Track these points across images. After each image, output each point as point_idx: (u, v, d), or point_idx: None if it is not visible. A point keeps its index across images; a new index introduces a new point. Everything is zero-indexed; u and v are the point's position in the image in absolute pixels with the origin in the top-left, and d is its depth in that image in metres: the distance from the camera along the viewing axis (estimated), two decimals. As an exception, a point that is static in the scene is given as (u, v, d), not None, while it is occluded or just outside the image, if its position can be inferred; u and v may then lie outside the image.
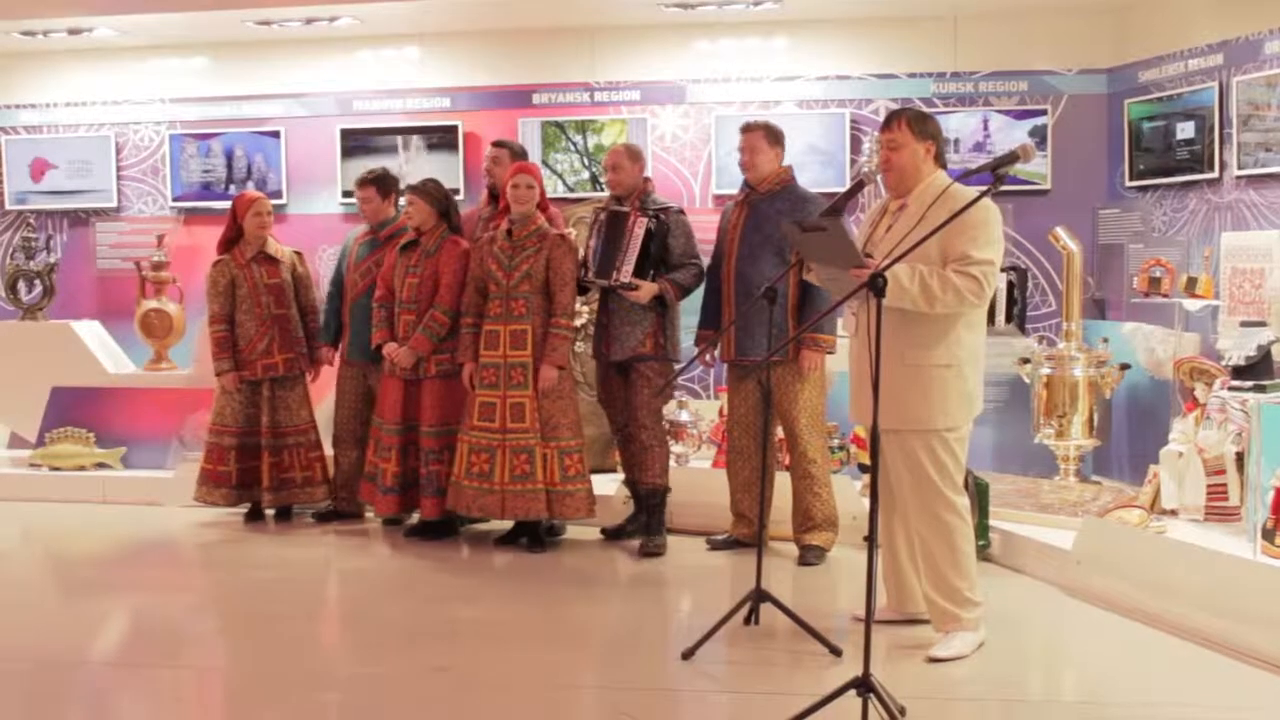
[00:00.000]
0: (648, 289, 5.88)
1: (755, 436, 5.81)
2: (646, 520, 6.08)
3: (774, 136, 5.84)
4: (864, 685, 3.55)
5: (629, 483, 6.27)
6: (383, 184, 6.71)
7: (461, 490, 5.99)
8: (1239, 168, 6.52)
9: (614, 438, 6.42)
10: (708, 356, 6.07)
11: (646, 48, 8.09)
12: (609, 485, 6.59)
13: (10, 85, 8.77)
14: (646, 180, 6.18)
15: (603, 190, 7.25)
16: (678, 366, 5.88)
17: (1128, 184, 7.38)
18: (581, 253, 6.14)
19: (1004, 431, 6.87)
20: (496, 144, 6.76)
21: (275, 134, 8.41)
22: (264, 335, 6.67)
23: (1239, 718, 3.92)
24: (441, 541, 6.28)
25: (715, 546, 6.04)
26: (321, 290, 7.17)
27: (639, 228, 5.87)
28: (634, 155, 6.16)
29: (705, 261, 6.04)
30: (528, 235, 5.99)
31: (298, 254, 6.93)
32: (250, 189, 7.84)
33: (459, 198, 7.46)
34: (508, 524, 6.21)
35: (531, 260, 5.95)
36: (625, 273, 5.87)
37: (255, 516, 6.79)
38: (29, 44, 8.41)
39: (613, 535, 6.30)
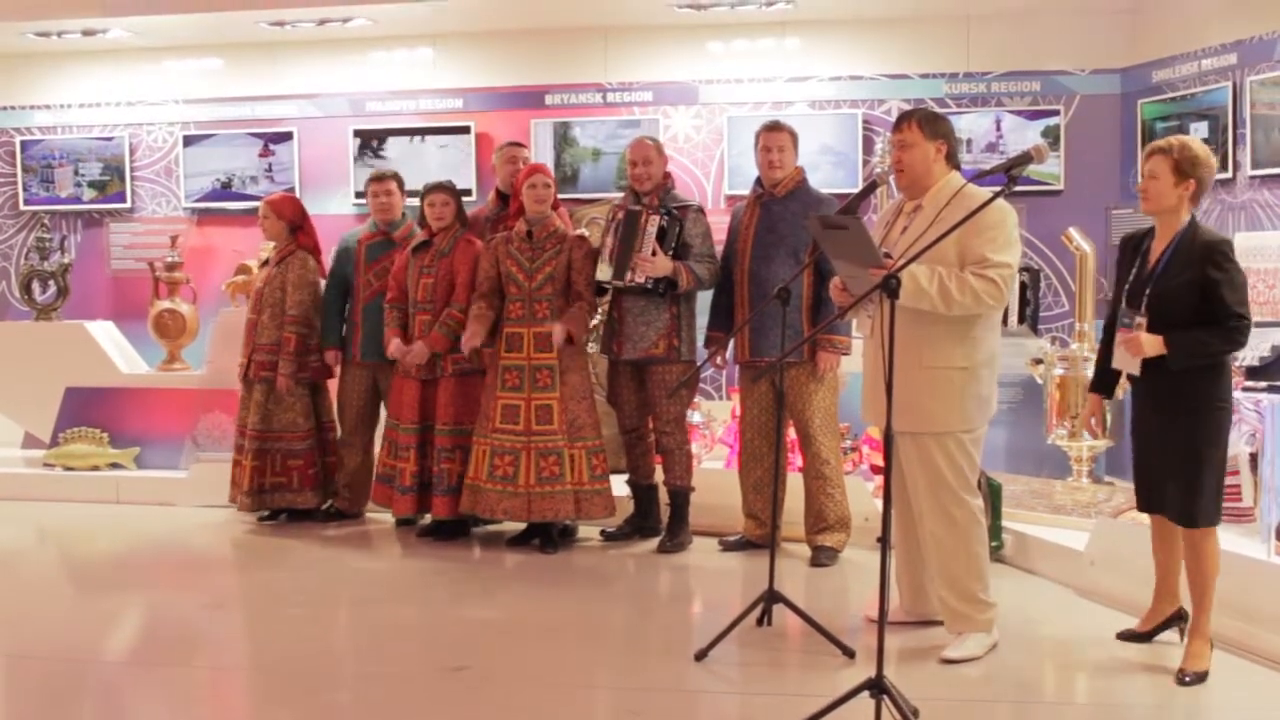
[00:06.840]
0: (665, 261, 5.80)
1: (768, 437, 5.81)
2: (670, 519, 6.12)
3: (795, 139, 5.84)
4: (877, 687, 3.55)
5: (631, 483, 6.29)
6: (400, 181, 6.70)
7: (482, 493, 5.96)
8: (1253, 168, 6.50)
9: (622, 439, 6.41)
10: (719, 359, 6.05)
11: (659, 48, 8.11)
12: (622, 487, 6.56)
13: (24, 86, 8.82)
14: (667, 175, 6.10)
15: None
16: (696, 366, 5.86)
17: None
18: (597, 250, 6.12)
19: (1017, 432, 6.86)
20: (512, 144, 6.73)
21: (288, 135, 8.44)
22: (247, 339, 6.71)
23: (1253, 719, 3.92)
24: (453, 542, 6.28)
25: (727, 548, 6.04)
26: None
27: (651, 225, 5.83)
28: (660, 149, 6.09)
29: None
30: (547, 236, 5.99)
31: (299, 258, 6.66)
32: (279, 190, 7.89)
33: (470, 198, 7.47)
34: (519, 524, 6.21)
35: (554, 262, 5.95)
36: (639, 271, 5.85)
37: (270, 517, 6.79)
38: (43, 45, 8.46)
39: (612, 538, 6.30)
